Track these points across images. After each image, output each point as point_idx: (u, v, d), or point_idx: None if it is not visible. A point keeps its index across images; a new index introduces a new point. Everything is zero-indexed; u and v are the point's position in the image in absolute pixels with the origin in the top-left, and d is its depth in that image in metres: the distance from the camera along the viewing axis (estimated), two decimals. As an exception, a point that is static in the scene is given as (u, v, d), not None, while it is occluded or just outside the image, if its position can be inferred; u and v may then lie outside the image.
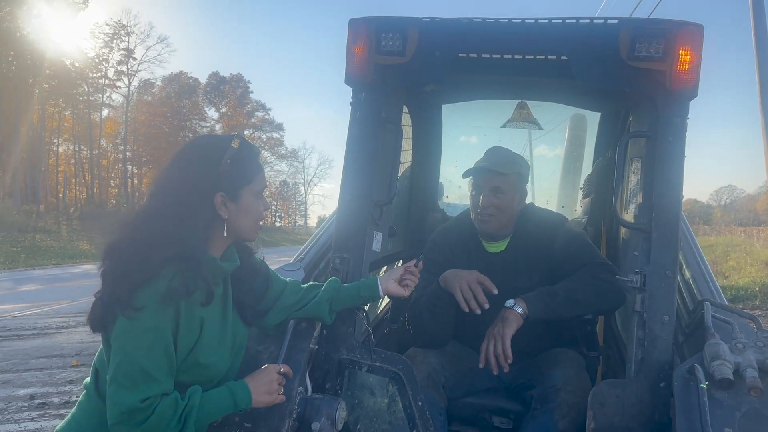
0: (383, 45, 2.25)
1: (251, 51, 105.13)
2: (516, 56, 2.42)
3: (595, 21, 2.16)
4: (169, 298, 1.56)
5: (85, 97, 50.49)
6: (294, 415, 1.89)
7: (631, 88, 2.14)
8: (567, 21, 2.16)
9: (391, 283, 2.15)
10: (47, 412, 5.53)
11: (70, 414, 1.73)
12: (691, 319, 2.30)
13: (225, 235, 1.75)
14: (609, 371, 2.78)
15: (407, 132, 3.32)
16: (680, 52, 2.07)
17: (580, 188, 3.72)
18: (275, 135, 68.63)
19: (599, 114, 3.43)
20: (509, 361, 2.27)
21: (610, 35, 2.11)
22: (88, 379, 1.74)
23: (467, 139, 3.85)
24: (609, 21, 2.13)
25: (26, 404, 5.75)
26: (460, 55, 2.29)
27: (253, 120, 66.05)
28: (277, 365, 1.84)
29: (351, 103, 2.31)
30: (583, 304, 2.37)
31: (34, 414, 5.49)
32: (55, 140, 51.43)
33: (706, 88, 2.12)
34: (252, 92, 66.33)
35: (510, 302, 2.36)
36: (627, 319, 2.56)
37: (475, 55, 2.38)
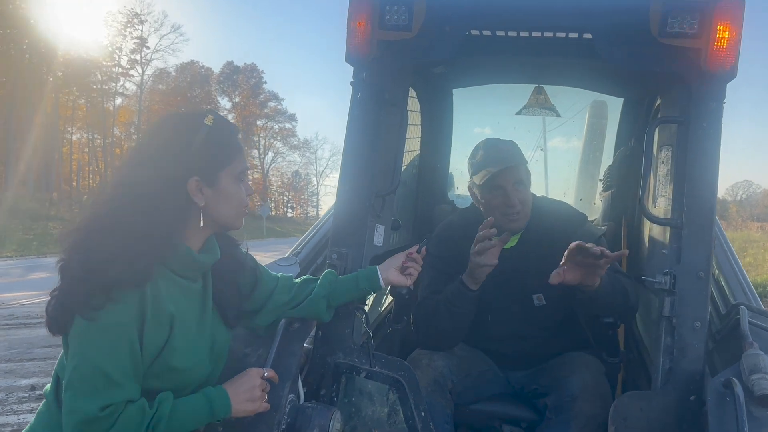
0: (387, 19, 2.05)
1: (265, 40, 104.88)
2: (534, 34, 2.21)
3: None
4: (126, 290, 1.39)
5: (99, 86, 50.65)
6: (283, 426, 1.72)
7: (662, 68, 1.94)
8: None
9: (392, 272, 1.97)
10: (47, 404, 5.43)
11: (28, 425, 1.56)
12: (723, 324, 2.09)
13: (201, 225, 1.56)
14: (629, 378, 2.58)
15: (415, 118, 3.12)
16: (718, 27, 1.87)
17: (600, 180, 3.50)
18: (288, 125, 68.55)
19: (622, 100, 3.20)
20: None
21: (640, 10, 1.92)
22: (49, 386, 1.57)
23: (480, 127, 3.64)
24: None
25: (26, 395, 5.67)
26: (472, 32, 2.09)
27: (266, 110, 65.97)
28: (261, 369, 1.65)
29: (352, 83, 2.12)
30: (628, 299, 2.21)
31: (34, 405, 5.39)
32: (69, 128, 51.64)
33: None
34: (266, 82, 66.28)
35: None
36: (652, 324, 2.36)
37: (488, 33, 2.18)
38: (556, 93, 3.25)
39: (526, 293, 2.39)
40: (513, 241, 2.48)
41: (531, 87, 3.20)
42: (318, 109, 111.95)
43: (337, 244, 2.07)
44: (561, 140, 3.77)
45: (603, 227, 3.06)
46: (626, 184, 3.14)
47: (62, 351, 1.50)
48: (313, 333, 2.04)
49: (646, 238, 2.84)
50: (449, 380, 2.30)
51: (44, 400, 1.57)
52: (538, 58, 2.57)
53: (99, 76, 50.27)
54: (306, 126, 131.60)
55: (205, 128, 1.53)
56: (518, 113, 3.24)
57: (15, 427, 4.86)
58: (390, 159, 2.21)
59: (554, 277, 1.98)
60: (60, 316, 1.41)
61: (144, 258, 1.42)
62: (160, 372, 1.47)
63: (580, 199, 3.79)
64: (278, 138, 68.19)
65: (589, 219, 2.96)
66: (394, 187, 2.19)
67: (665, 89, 2.15)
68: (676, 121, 1.95)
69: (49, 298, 1.45)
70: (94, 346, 1.36)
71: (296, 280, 1.95)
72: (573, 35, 2.21)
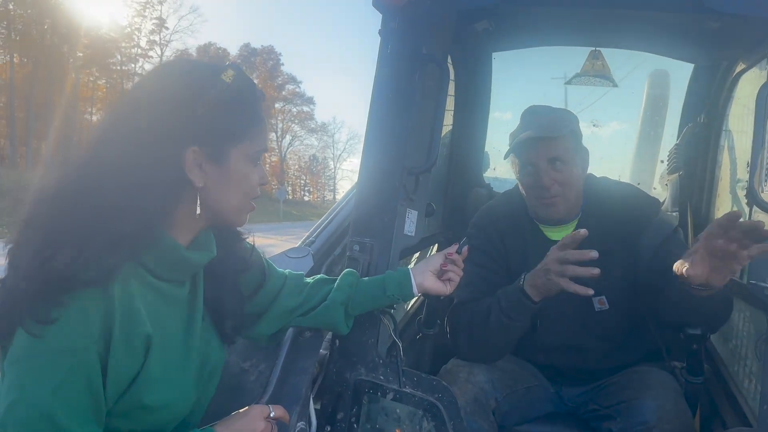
0: None
1: (282, 22, 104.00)
2: None
3: None
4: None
5: (119, 67, 50.65)
6: (290, 464, 1.34)
7: None
8: None
9: (428, 276, 1.57)
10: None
11: None
12: None
13: (198, 213, 1.16)
14: (705, 399, 2.15)
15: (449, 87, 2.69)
16: None
17: (662, 161, 3.05)
18: (305, 108, 68.09)
19: (692, 66, 2.75)
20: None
21: None
22: None
23: (523, 98, 3.18)
24: None
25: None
26: None
27: (283, 93, 65.55)
28: (266, 408, 1.24)
29: (380, 33, 1.71)
30: (731, 306, 1.76)
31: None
32: (89, 109, 51.77)
33: None
34: (283, 64, 65.79)
35: None
36: (734, 336, 1.94)
37: None
38: (609, 59, 2.80)
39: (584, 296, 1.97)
40: (566, 232, 2.06)
41: (583, 52, 2.74)
42: (336, 92, 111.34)
43: (359, 233, 1.67)
44: (615, 115, 3.30)
45: (674, 213, 2.63)
46: (694, 165, 2.70)
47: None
48: (329, 337, 1.67)
49: None
50: (492, 398, 1.90)
51: None
52: (601, 12, 2.15)
53: (119, 57, 50.25)
54: (323, 109, 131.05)
55: (220, 85, 1.13)
56: (568, 82, 2.79)
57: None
58: (426, 129, 1.80)
59: (690, 268, 1.47)
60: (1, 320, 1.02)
61: (116, 249, 1.03)
62: (129, 410, 1.09)
63: (638, 183, 3.34)
64: (296, 121, 67.86)
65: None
66: (430, 163, 1.78)
67: None
68: None
69: None
70: (37, 379, 0.98)
71: (308, 280, 1.56)
72: None
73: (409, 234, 1.78)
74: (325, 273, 1.85)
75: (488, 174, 3.16)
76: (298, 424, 1.42)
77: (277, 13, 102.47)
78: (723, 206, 2.47)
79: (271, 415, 1.24)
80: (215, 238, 1.28)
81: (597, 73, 2.65)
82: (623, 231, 1.99)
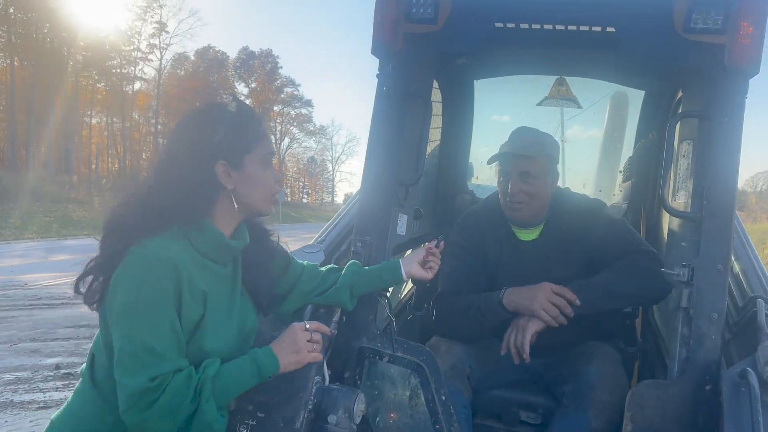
0: (414, 12, 2.09)
1: (281, 25, 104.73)
2: (558, 27, 2.24)
3: None
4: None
5: (118, 70, 50.99)
6: (310, 406, 1.79)
7: (685, 63, 1.96)
8: None
9: (414, 265, 2.05)
10: (72, 382, 5.58)
11: (66, 402, 1.65)
12: (740, 316, 2.12)
13: (235, 208, 1.65)
14: (646, 367, 2.62)
15: (436, 108, 3.16)
16: (742, 24, 1.88)
17: (620, 171, 3.52)
18: (304, 111, 68.55)
19: (643, 92, 3.21)
20: (525, 357, 2.19)
21: (664, 5, 1.93)
22: (85, 365, 1.65)
23: (500, 117, 3.66)
24: None
25: (52, 374, 5.83)
26: (497, 24, 2.12)
27: (282, 96, 66.00)
28: (303, 323, 1.73)
29: (377, 76, 2.17)
30: (624, 297, 2.22)
31: (59, 384, 5.55)
32: (89, 112, 52.13)
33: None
34: (281, 67, 66.24)
35: None
36: (670, 315, 2.39)
37: (512, 26, 2.21)
38: (577, 84, 3.26)
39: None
40: (534, 234, 2.52)
41: (552, 78, 3.21)
42: (334, 95, 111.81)
43: (361, 233, 2.13)
44: (581, 131, 3.78)
45: (624, 205, 3.09)
46: (646, 175, 3.16)
47: (98, 330, 1.60)
48: (336, 318, 2.11)
49: (665, 230, 2.87)
50: (467, 366, 2.36)
51: (81, 380, 1.65)
52: (561, 51, 2.59)
53: (118, 60, 50.60)
54: (322, 112, 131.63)
55: (228, 115, 1.63)
56: (539, 104, 3.26)
57: (41, 405, 5.02)
58: (413, 149, 2.26)
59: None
60: (98, 282, 1.55)
61: (171, 222, 1.55)
62: (192, 353, 1.55)
63: (600, 190, 3.82)
64: (294, 124, 68.31)
65: (612, 204, 2.98)
66: (417, 177, 2.24)
67: (688, 84, 2.17)
68: (698, 115, 1.97)
69: (90, 279, 1.56)
70: (136, 324, 1.44)
71: (321, 269, 2.02)
72: (596, 29, 2.23)
73: (401, 234, 2.24)
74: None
75: (472, 182, 3.62)
76: (316, 377, 1.87)
77: (276, 17, 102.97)
78: (668, 210, 2.91)
79: (307, 327, 1.72)
80: (252, 236, 1.76)
81: (562, 97, 3.12)
82: (578, 232, 2.45)
